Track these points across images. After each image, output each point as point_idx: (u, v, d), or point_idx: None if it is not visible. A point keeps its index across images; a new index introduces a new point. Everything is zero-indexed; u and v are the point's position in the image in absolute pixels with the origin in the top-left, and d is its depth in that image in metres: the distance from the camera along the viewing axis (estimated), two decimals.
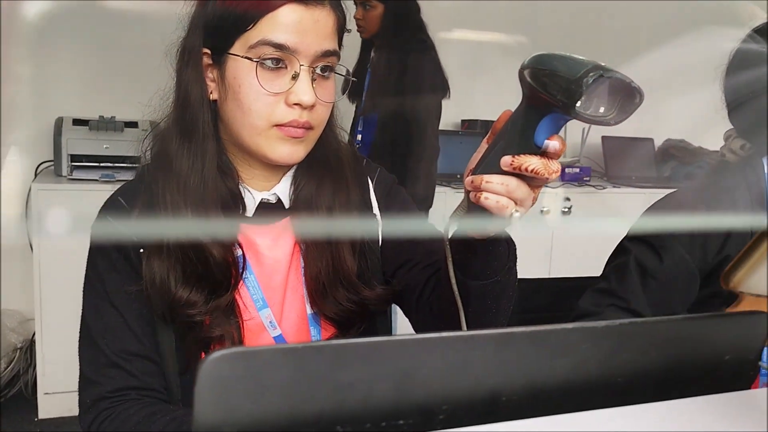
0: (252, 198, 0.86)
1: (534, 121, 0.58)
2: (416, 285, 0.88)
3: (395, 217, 0.94)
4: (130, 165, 2.20)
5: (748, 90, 0.95)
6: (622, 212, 2.86)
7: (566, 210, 2.84)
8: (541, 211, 2.77)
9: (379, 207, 0.94)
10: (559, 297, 1.36)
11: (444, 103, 2.29)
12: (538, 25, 3.12)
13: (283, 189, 0.87)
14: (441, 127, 3.07)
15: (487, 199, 0.62)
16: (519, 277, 1.18)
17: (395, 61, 2.13)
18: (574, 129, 2.97)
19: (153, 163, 0.85)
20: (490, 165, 0.62)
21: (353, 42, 2.29)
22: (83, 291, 0.84)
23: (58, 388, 2.23)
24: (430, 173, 2.21)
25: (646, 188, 3.02)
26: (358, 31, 2.22)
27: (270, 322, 0.86)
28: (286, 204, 0.87)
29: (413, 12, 2.21)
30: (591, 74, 0.52)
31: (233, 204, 0.84)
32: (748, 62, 0.97)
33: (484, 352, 0.41)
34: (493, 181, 0.62)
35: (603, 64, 0.53)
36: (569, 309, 1.27)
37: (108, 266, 0.82)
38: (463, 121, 3.00)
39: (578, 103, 0.53)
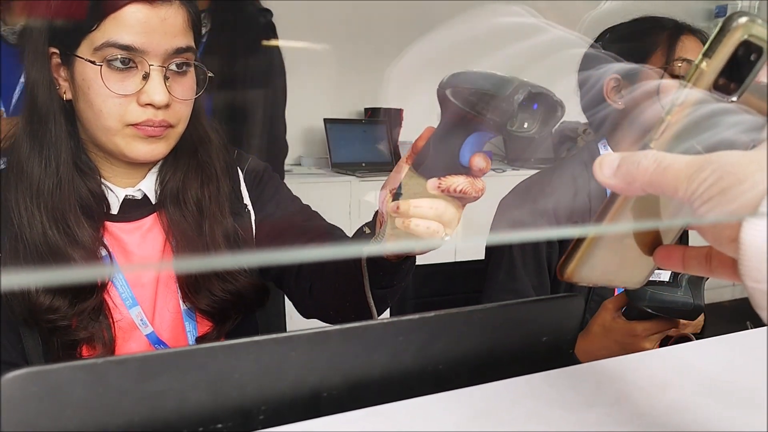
0: (115, 196, 0.85)
1: (458, 141, 0.57)
2: (291, 266, 0.90)
3: (266, 204, 0.95)
4: None
5: (590, 86, 1.02)
6: None
7: None
8: None
9: (250, 197, 0.94)
10: (467, 279, 1.41)
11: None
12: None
13: (148, 184, 0.87)
14: (345, 116, 3.06)
15: (418, 226, 0.59)
16: (427, 262, 1.23)
17: (229, 38, 1.64)
18: None
19: (6, 167, 0.82)
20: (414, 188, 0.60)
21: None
22: None
23: None
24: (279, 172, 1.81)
25: None
26: None
27: (141, 320, 0.85)
28: (153, 199, 0.87)
29: None
30: (520, 91, 0.51)
31: (95, 204, 0.83)
32: (590, 64, 1.05)
33: (301, 352, 0.42)
34: (422, 205, 0.59)
35: (525, 79, 0.52)
36: (475, 291, 1.32)
37: None
38: (366, 109, 3.02)
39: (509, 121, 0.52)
